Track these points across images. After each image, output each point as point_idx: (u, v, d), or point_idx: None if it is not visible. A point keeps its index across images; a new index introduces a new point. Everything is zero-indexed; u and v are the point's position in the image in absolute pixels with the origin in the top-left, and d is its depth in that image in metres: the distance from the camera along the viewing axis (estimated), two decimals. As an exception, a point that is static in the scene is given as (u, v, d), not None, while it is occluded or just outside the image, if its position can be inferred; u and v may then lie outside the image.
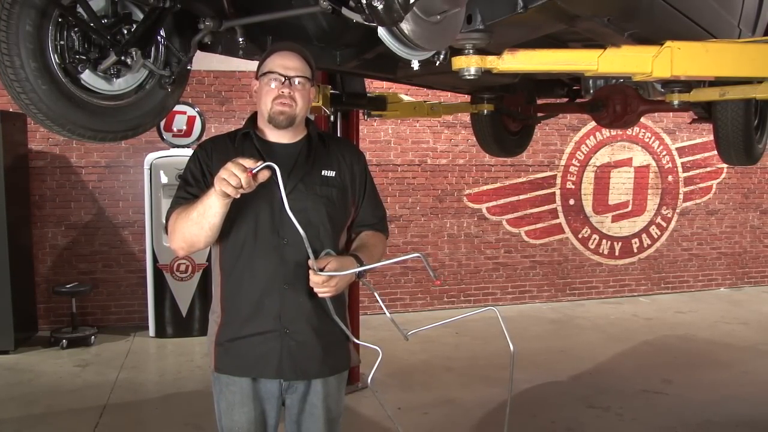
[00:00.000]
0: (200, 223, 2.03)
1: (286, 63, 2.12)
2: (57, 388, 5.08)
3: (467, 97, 4.71)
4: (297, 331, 2.16)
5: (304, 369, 2.19)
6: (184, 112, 6.43)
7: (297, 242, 2.02)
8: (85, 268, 6.78)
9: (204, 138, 6.55)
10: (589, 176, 8.43)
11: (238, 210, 2.09)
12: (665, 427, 4.44)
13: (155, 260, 6.41)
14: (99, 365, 5.66)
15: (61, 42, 1.97)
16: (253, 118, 2.28)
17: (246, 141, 2.21)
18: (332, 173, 2.23)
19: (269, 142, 2.21)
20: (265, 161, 1.94)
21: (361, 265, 2.14)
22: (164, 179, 6.33)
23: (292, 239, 2.08)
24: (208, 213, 2.00)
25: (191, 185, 2.16)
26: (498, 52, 2.29)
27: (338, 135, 4.79)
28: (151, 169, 6.33)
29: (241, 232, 2.16)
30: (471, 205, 7.95)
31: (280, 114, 2.13)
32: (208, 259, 6.50)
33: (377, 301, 2.27)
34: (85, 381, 5.25)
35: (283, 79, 2.11)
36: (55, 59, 1.94)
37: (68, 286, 6.37)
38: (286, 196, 1.97)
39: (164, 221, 2.23)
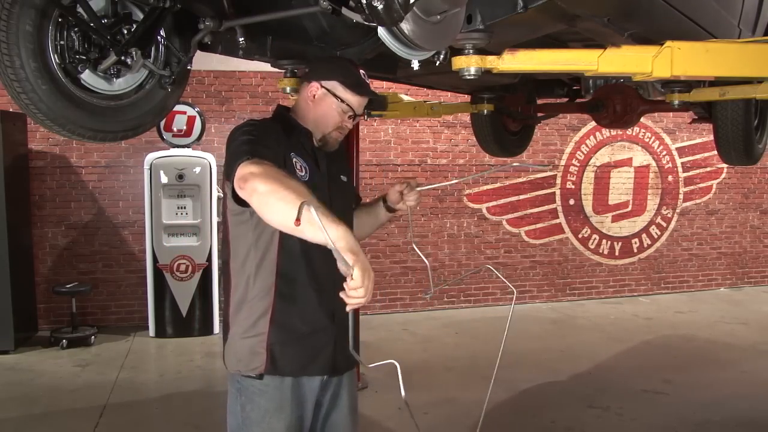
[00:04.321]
0: (275, 211, 1.75)
1: (362, 103, 2.23)
2: (57, 388, 5.08)
3: (467, 97, 4.71)
4: (343, 327, 2.06)
5: (346, 363, 2.25)
6: (184, 112, 6.42)
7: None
8: (85, 268, 6.78)
9: (204, 139, 6.58)
10: (589, 176, 8.43)
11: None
12: (665, 426, 4.44)
13: (155, 260, 6.41)
14: (99, 365, 5.66)
15: (61, 42, 1.97)
16: (286, 110, 2.29)
17: (303, 139, 2.20)
18: (345, 178, 2.36)
19: (317, 148, 2.24)
20: (317, 166, 2.16)
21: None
22: (164, 179, 6.33)
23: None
24: (305, 224, 1.61)
25: (266, 146, 1.97)
26: (498, 52, 2.28)
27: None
28: (151, 169, 6.33)
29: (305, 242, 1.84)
30: (471, 205, 7.95)
31: (335, 141, 2.24)
32: (208, 260, 6.51)
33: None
34: (85, 381, 5.25)
35: (354, 117, 2.23)
36: (55, 59, 1.94)
37: (68, 286, 6.37)
38: (334, 203, 2.11)
39: (233, 167, 1.88)
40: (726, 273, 9.35)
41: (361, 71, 2.22)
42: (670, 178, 8.86)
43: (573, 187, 8.37)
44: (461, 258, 7.90)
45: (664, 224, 8.91)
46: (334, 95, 2.18)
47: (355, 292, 1.64)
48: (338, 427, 2.29)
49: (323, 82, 2.18)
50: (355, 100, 2.20)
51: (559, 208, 8.34)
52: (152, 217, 6.36)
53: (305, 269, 2.15)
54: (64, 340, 6.09)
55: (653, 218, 8.84)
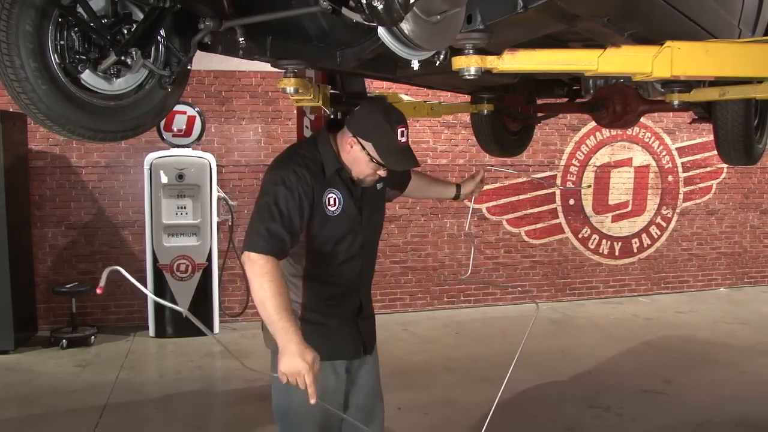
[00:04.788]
0: (262, 312, 2.22)
1: (399, 166, 2.45)
2: (57, 388, 5.08)
3: (467, 97, 4.71)
4: (369, 316, 2.64)
5: (370, 345, 2.65)
6: (184, 112, 6.42)
7: (370, 244, 2.60)
8: (84, 268, 6.78)
9: (204, 138, 6.58)
10: (589, 176, 8.43)
11: (324, 234, 2.42)
12: (665, 427, 4.44)
13: (155, 260, 6.41)
14: (99, 365, 5.66)
15: (61, 42, 1.96)
16: (329, 130, 2.49)
17: (338, 175, 2.44)
18: (380, 185, 2.61)
19: (353, 179, 2.47)
20: (350, 194, 2.44)
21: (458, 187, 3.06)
22: (164, 179, 6.33)
23: (368, 243, 2.58)
24: (270, 326, 2.20)
25: (290, 222, 2.30)
26: (498, 52, 2.28)
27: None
28: (151, 169, 6.33)
29: (331, 251, 2.45)
30: (471, 205, 7.93)
31: (369, 183, 2.49)
32: (208, 259, 6.51)
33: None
34: (85, 381, 5.25)
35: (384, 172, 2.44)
36: (55, 59, 1.93)
37: (68, 286, 6.37)
38: (365, 220, 2.51)
39: (245, 246, 2.30)
40: (726, 273, 9.35)
41: (400, 131, 2.33)
42: (670, 178, 8.86)
43: (573, 187, 8.37)
44: (461, 258, 7.90)
45: (664, 224, 8.91)
46: (368, 154, 2.35)
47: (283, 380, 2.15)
48: (371, 393, 2.64)
49: (359, 139, 2.35)
50: (388, 157, 2.36)
51: (559, 208, 8.34)
52: (152, 217, 6.36)
53: (331, 273, 2.48)
54: (64, 340, 6.10)
55: (653, 218, 8.84)
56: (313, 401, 2.13)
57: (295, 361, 2.13)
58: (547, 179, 8.27)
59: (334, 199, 2.42)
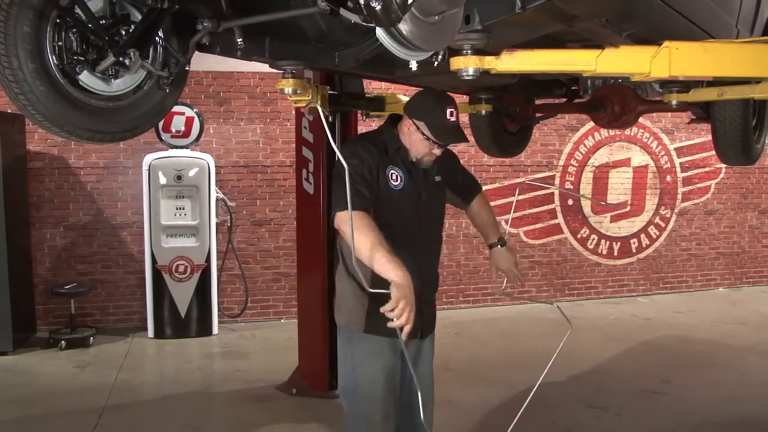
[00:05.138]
0: (367, 257, 2.41)
1: (448, 141, 2.71)
2: (55, 390, 5.08)
3: (465, 98, 4.71)
4: (429, 302, 2.89)
5: (429, 328, 2.92)
6: (183, 113, 6.42)
7: (429, 231, 2.86)
8: (83, 269, 6.78)
9: (202, 139, 6.58)
10: (587, 176, 8.43)
11: (388, 209, 2.66)
12: (664, 427, 4.44)
13: (154, 261, 6.41)
14: (98, 366, 5.65)
15: (59, 43, 1.96)
16: (392, 122, 2.81)
17: (398, 154, 2.74)
18: (438, 178, 2.88)
19: (412, 161, 2.76)
20: (410, 174, 2.73)
21: (502, 238, 3.18)
22: (163, 180, 6.33)
23: (426, 229, 2.84)
24: (376, 266, 2.40)
25: (366, 181, 2.58)
26: (496, 53, 2.29)
27: (338, 136, 4.80)
28: (149, 169, 6.33)
29: (395, 230, 2.61)
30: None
31: (428, 162, 2.76)
32: (207, 260, 6.52)
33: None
34: (83, 382, 5.24)
35: (440, 146, 2.72)
36: (53, 60, 1.93)
37: (67, 287, 6.37)
38: (423, 202, 2.79)
39: (335, 210, 2.54)
40: (724, 273, 9.36)
41: (449, 111, 2.61)
42: (668, 178, 8.87)
43: (572, 187, 8.37)
44: (460, 258, 7.90)
45: (663, 224, 8.92)
46: (422, 132, 2.65)
47: (390, 313, 2.25)
48: (424, 378, 2.87)
49: (414, 120, 2.66)
50: (440, 134, 2.65)
51: (558, 209, 8.35)
52: (151, 218, 6.36)
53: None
54: (62, 341, 6.09)
55: (652, 218, 8.84)
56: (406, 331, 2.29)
57: (407, 290, 2.31)
58: (577, 191, 8.37)
59: (396, 175, 2.70)
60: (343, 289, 2.83)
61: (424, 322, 2.82)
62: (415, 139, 2.68)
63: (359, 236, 2.39)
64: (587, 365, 5.59)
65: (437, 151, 2.72)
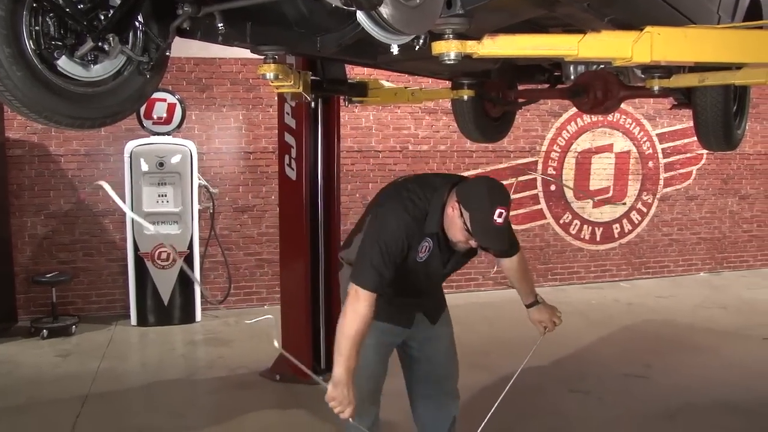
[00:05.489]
0: (338, 335, 2.53)
1: (486, 243, 2.60)
2: (38, 379, 5.04)
3: (448, 83, 4.71)
4: (435, 296, 3.05)
5: (437, 315, 3.03)
6: (164, 100, 6.36)
7: (436, 284, 2.98)
8: (65, 257, 6.72)
9: (184, 126, 6.53)
10: (570, 162, 8.47)
11: (405, 272, 2.64)
12: (646, 410, 4.49)
13: (136, 248, 6.37)
14: (80, 355, 5.62)
15: (36, 28, 1.92)
16: (449, 190, 2.65)
17: (439, 233, 2.65)
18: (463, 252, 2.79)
19: (448, 241, 2.67)
20: (440, 249, 2.68)
21: (537, 296, 3.12)
22: (145, 167, 6.28)
23: (437, 280, 2.96)
24: (335, 349, 2.53)
25: (394, 263, 2.56)
26: (478, 37, 2.28)
27: (320, 122, 4.78)
28: (131, 157, 6.28)
29: (402, 285, 2.70)
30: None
31: (462, 248, 2.67)
32: (189, 247, 6.49)
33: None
34: (66, 371, 5.21)
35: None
36: (30, 45, 1.90)
37: (48, 275, 6.32)
38: (445, 272, 2.87)
39: (354, 278, 2.55)
40: (705, 258, 9.45)
41: (498, 211, 2.47)
42: (650, 164, 8.93)
43: (554, 172, 8.41)
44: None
45: (645, 210, 8.98)
46: (464, 221, 2.51)
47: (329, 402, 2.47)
48: (437, 356, 3.01)
49: (461, 206, 2.51)
50: (481, 236, 2.53)
51: (541, 194, 8.38)
52: (133, 205, 6.31)
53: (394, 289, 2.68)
54: (44, 330, 6.04)
55: (634, 204, 8.90)
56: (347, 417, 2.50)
57: (342, 390, 2.46)
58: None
59: (427, 247, 2.65)
60: (348, 259, 2.90)
61: (432, 311, 2.97)
62: (456, 224, 2.56)
63: (351, 323, 2.49)
64: (569, 350, 5.63)
65: (473, 244, 2.61)
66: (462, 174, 2.93)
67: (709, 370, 5.32)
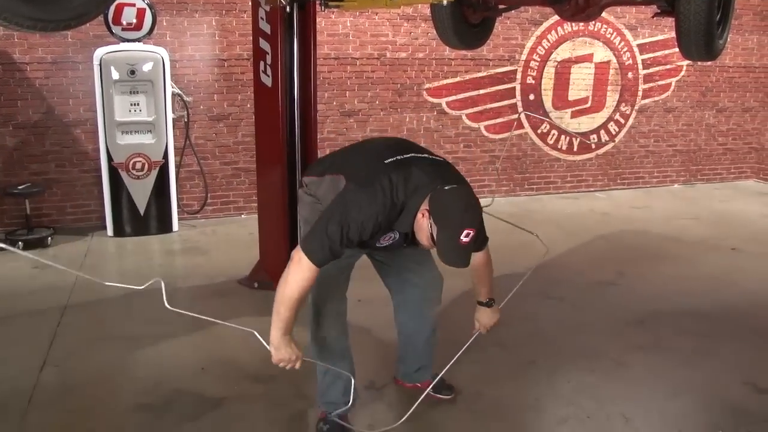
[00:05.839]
0: (276, 302, 2.59)
1: (446, 260, 2.53)
2: (15, 291, 5.04)
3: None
4: None
5: None
6: (133, 4, 6.12)
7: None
8: (36, 169, 6.61)
9: (155, 32, 6.32)
10: (549, 71, 8.37)
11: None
12: (616, 316, 4.62)
13: (110, 159, 6.27)
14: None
15: None
16: (416, 200, 2.57)
17: (407, 229, 2.65)
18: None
19: (414, 238, 2.65)
20: (404, 241, 2.73)
21: (493, 300, 3.12)
22: (115, 75, 6.10)
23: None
24: (273, 315, 2.59)
25: (349, 245, 2.56)
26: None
27: (295, 28, 4.64)
28: (101, 64, 6.09)
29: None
30: (431, 99, 7.88)
31: (423, 247, 2.66)
32: (165, 157, 6.40)
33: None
34: (43, 283, 5.20)
35: None
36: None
37: (20, 187, 6.22)
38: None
39: (305, 244, 2.54)
40: (680, 170, 9.54)
41: (466, 232, 2.42)
42: (630, 74, 8.86)
43: (533, 82, 8.32)
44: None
45: (623, 121, 8.98)
46: (431, 231, 2.49)
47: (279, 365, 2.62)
48: (410, 265, 3.10)
49: (432, 218, 2.47)
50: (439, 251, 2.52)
51: (519, 103, 8.32)
52: (105, 115, 6.18)
53: None
54: (19, 243, 6.00)
55: (612, 115, 8.89)
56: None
57: (284, 351, 2.58)
58: (585, 136, 8.40)
59: (391, 237, 2.68)
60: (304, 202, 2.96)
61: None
62: (424, 231, 2.53)
63: (293, 289, 2.52)
64: (545, 258, 5.72)
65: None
66: (447, 165, 2.81)
67: (678, 278, 5.45)
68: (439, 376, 3.26)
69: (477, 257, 2.92)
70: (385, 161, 2.62)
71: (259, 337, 2.60)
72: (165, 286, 2.63)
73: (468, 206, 2.48)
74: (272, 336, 2.58)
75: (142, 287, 2.60)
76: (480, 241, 2.82)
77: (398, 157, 2.64)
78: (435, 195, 2.50)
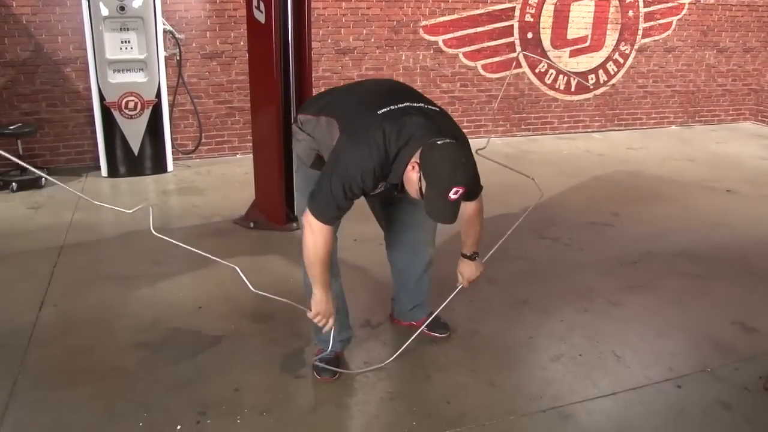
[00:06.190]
0: (308, 264, 2.71)
1: (433, 215, 2.52)
2: (11, 231, 5.03)
3: None
4: None
5: None
6: (122, -63, 5.94)
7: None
8: (27, 108, 6.52)
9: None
10: (548, 9, 8.21)
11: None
12: (610, 255, 4.65)
13: (102, 98, 6.18)
14: (52, 207, 5.59)
15: None
16: (408, 152, 2.54)
17: (396, 180, 2.64)
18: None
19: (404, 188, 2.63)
20: (395, 189, 2.72)
21: (477, 253, 3.11)
22: (105, 11, 5.96)
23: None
24: (310, 275, 2.75)
25: (353, 198, 2.61)
26: None
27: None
28: (89, 0, 5.93)
29: None
30: (427, 37, 7.74)
31: (412, 197, 2.60)
32: (158, 96, 6.32)
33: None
34: (39, 223, 5.20)
35: None
36: None
37: (12, 127, 6.14)
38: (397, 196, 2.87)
39: (311, 207, 2.59)
40: (678, 111, 9.48)
41: (455, 190, 2.39)
42: (630, 13, 8.70)
43: (532, 20, 8.17)
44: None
45: (622, 60, 8.86)
46: (420, 185, 2.46)
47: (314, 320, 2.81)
48: (402, 204, 3.11)
49: (422, 172, 2.43)
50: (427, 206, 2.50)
51: (517, 42, 8.19)
52: (95, 53, 6.06)
53: None
54: (13, 183, 5.96)
55: (611, 54, 8.77)
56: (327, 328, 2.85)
57: (323, 305, 2.76)
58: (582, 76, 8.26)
59: (382, 185, 2.66)
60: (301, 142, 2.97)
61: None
62: (413, 184, 2.50)
63: (315, 251, 2.63)
64: (540, 199, 5.72)
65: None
66: (443, 115, 2.71)
67: (671, 219, 5.48)
68: (432, 317, 3.31)
69: (468, 206, 2.92)
70: (379, 111, 2.56)
71: (241, 273, 2.62)
72: (153, 213, 2.65)
73: (459, 164, 2.41)
74: (315, 292, 2.74)
75: (131, 211, 2.66)
76: (472, 192, 2.82)
77: (392, 107, 2.57)
78: (426, 148, 2.44)
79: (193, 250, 2.76)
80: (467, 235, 3.05)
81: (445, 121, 2.70)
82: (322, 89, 3.46)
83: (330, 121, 2.70)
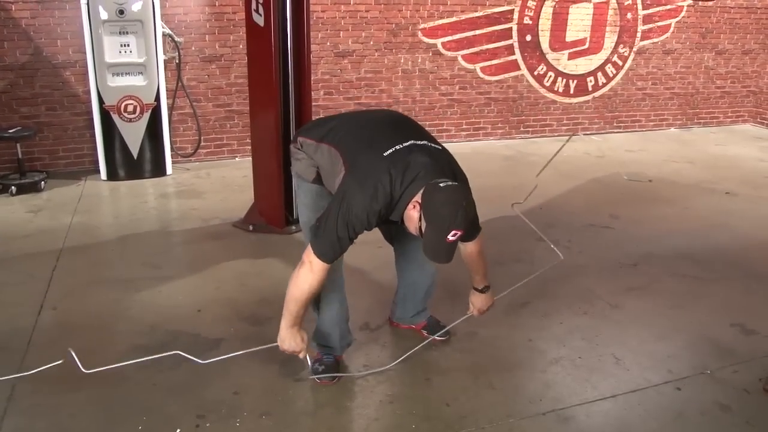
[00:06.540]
0: (287, 299, 2.72)
1: (431, 256, 2.54)
2: (10, 234, 5.03)
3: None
4: None
5: None
6: (121, -60, 5.95)
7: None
8: (27, 112, 6.51)
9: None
10: (547, 12, 8.22)
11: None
12: (609, 258, 4.65)
13: (101, 101, 6.19)
14: (52, 210, 5.59)
15: None
16: (411, 192, 2.57)
17: (398, 219, 2.68)
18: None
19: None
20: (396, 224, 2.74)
21: (488, 287, 3.19)
22: (104, 15, 5.97)
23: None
24: (284, 311, 2.75)
25: (352, 239, 2.62)
26: None
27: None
28: (88, 3, 5.93)
29: None
30: (426, 39, 7.75)
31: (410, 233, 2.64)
32: (157, 99, 6.32)
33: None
34: (38, 226, 5.20)
35: None
36: None
37: (11, 131, 6.13)
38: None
39: (316, 245, 2.61)
40: (677, 113, 9.49)
41: (453, 233, 2.42)
42: (629, 15, 8.71)
43: (530, 22, 8.18)
44: (415, 94, 7.82)
45: (620, 63, 8.87)
46: (420, 225, 2.49)
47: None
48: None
49: (423, 212, 2.46)
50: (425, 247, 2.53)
51: (516, 44, 8.19)
52: (94, 56, 6.06)
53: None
54: (12, 187, 5.96)
55: (610, 56, 8.77)
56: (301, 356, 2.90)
57: (289, 343, 2.80)
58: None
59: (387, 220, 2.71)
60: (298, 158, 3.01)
61: None
62: (413, 222, 2.54)
63: (302, 289, 2.65)
64: (539, 200, 5.73)
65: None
66: (445, 153, 2.78)
67: (671, 221, 5.48)
68: (437, 335, 3.41)
69: (469, 246, 2.99)
70: (385, 153, 2.58)
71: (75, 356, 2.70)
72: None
73: (459, 207, 2.43)
74: (281, 328, 2.77)
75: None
76: (471, 232, 2.89)
77: (397, 147, 2.60)
78: (428, 189, 2.47)
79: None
80: (474, 271, 3.12)
81: (447, 160, 2.74)
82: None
83: (332, 151, 2.73)
